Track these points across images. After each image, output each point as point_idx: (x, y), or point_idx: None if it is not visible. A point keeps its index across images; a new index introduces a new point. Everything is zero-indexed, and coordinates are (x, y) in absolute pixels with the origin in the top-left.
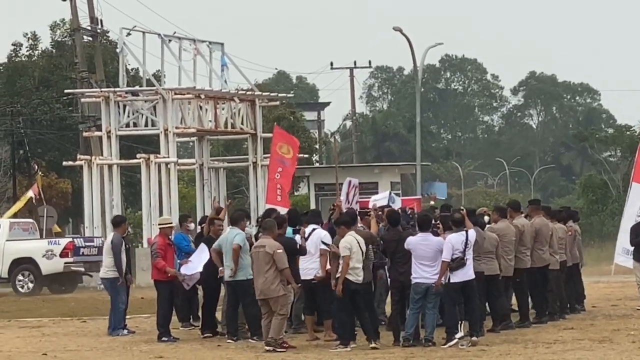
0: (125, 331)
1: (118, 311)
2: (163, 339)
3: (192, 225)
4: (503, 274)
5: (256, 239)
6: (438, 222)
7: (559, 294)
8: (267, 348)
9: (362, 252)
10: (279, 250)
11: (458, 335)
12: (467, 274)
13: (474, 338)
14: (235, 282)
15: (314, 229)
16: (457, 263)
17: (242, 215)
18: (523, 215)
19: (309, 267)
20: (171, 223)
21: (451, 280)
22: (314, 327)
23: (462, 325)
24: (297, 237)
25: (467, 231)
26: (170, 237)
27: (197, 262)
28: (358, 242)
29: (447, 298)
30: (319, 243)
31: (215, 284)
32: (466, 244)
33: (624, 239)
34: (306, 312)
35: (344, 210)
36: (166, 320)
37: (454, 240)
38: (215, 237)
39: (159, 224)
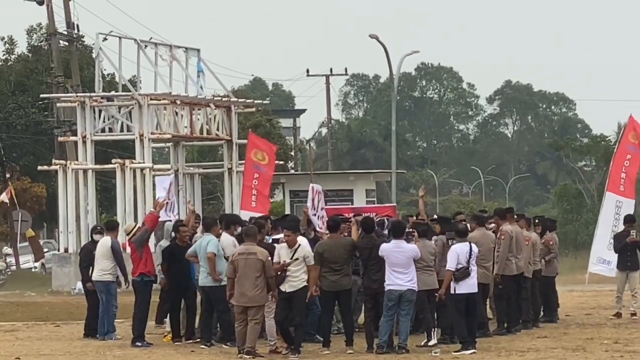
0: (118, 335)
1: (110, 315)
2: (137, 343)
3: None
4: (480, 282)
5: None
6: (412, 229)
7: (533, 303)
8: (247, 357)
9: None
10: (269, 258)
11: (431, 343)
12: (472, 285)
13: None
14: (209, 287)
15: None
16: (461, 273)
17: (215, 221)
18: (508, 223)
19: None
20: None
21: (456, 291)
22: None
23: (435, 332)
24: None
25: (470, 242)
26: None
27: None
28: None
29: (452, 309)
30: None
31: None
32: (470, 254)
33: (598, 248)
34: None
35: (311, 217)
36: (142, 324)
37: (458, 250)
38: (182, 244)
39: (130, 232)
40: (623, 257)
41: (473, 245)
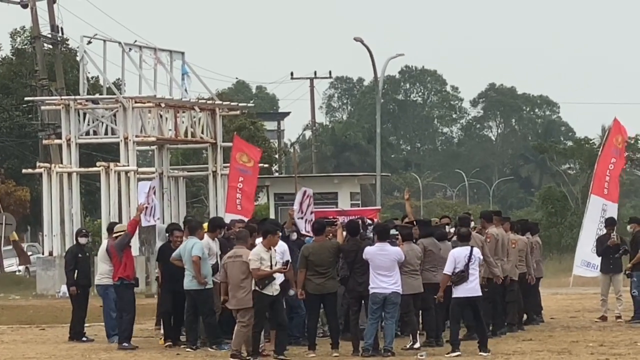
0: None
1: (111, 317)
2: (124, 344)
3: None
4: None
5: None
6: (397, 233)
7: (518, 306)
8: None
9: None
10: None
11: (416, 346)
12: (472, 289)
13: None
14: (194, 291)
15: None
16: (458, 277)
17: (200, 224)
18: (494, 225)
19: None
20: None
21: (454, 295)
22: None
23: (419, 335)
24: None
25: (472, 246)
26: None
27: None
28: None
29: (450, 312)
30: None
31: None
32: (470, 258)
33: (583, 251)
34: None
35: (296, 220)
36: (129, 326)
37: (457, 254)
38: (174, 247)
39: (115, 232)
40: (606, 260)
41: (475, 249)
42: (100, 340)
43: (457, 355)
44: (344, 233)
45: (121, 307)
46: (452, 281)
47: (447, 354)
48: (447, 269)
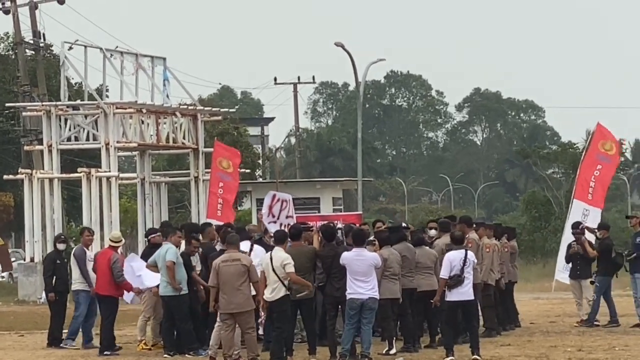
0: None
1: (79, 322)
2: (105, 353)
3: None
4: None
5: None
6: (374, 238)
7: (496, 310)
8: None
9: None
10: (253, 264)
11: (392, 351)
12: (465, 293)
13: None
14: (168, 297)
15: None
16: (454, 280)
17: (174, 229)
18: (474, 231)
19: None
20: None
21: (447, 299)
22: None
23: (396, 341)
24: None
25: (466, 249)
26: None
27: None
28: (271, 260)
29: (444, 316)
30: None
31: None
32: (464, 261)
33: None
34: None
35: (267, 225)
36: (110, 333)
37: (452, 258)
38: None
39: (114, 241)
40: (573, 265)
41: (469, 253)
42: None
43: (393, 354)
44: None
45: (105, 315)
46: (448, 285)
47: (443, 359)
48: (444, 273)
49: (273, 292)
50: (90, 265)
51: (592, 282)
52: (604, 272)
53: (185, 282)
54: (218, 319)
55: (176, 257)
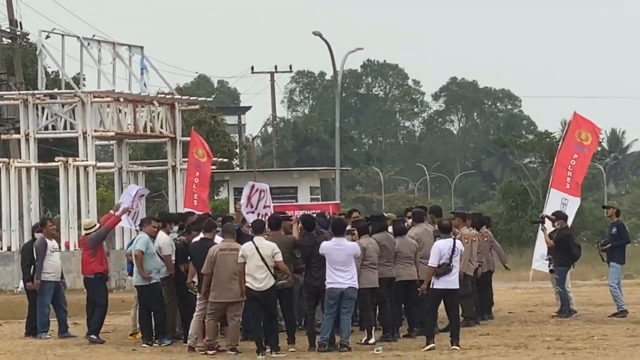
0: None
1: (44, 314)
2: (92, 337)
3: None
4: (423, 278)
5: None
6: (353, 227)
7: (475, 300)
8: (232, 353)
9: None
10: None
11: (371, 341)
12: (452, 282)
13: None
14: (140, 286)
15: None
16: (443, 269)
17: (148, 219)
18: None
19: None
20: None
21: (434, 286)
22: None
23: (375, 330)
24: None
25: (454, 238)
26: None
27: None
28: (257, 249)
29: (427, 304)
30: None
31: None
32: (453, 250)
33: (541, 245)
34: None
35: (245, 215)
36: (101, 319)
37: (441, 246)
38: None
39: (87, 228)
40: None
41: (457, 242)
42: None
43: (430, 348)
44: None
45: (96, 300)
46: (436, 273)
47: (423, 348)
48: (432, 262)
49: (263, 281)
50: (55, 256)
51: (551, 271)
52: (560, 262)
53: (156, 272)
54: (198, 308)
55: (146, 247)
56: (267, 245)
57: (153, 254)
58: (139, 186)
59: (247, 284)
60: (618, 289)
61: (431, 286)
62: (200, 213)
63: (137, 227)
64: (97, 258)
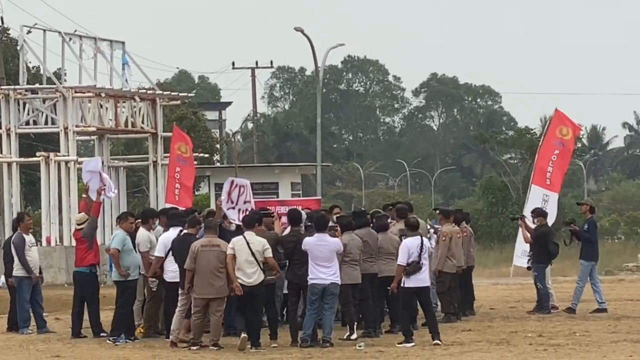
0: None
1: (24, 309)
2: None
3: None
4: None
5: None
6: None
7: (455, 296)
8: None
9: (252, 253)
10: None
11: (353, 337)
12: (423, 279)
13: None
14: (116, 281)
15: (181, 230)
16: (413, 267)
17: (125, 215)
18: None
19: (172, 269)
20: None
21: (405, 285)
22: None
23: (357, 326)
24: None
25: (422, 236)
26: None
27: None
28: (248, 244)
29: (400, 302)
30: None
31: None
32: (421, 248)
33: (522, 242)
34: (168, 315)
35: (226, 211)
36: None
37: (409, 244)
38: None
39: (79, 224)
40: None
41: (425, 239)
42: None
43: (412, 346)
44: (284, 223)
45: (91, 297)
46: (406, 272)
47: (399, 343)
48: (401, 260)
49: (253, 276)
50: (33, 251)
51: (528, 269)
52: (537, 259)
53: (135, 267)
54: (180, 304)
55: (122, 244)
56: (257, 241)
57: (130, 250)
58: (92, 159)
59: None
60: (584, 287)
61: (402, 285)
62: (182, 208)
63: (114, 192)
64: (93, 250)
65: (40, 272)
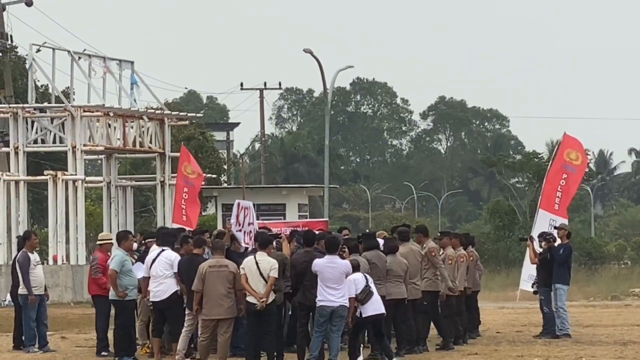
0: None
1: (30, 328)
2: (102, 353)
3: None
4: (410, 298)
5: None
6: (344, 245)
7: (460, 320)
8: None
9: (262, 274)
10: (239, 271)
11: (359, 359)
12: (378, 308)
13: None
14: (113, 301)
15: (162, 250)
16: (364, 293)
17: (126, 235)
18: (431, 239)
19: (157, 289)
20: (111, 239)
21: (363, 315)
22: (160, 350)
23: (363, 348)
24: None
25: (365, 274)
26: (109, 253)
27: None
28: (257, 264)
29: (353, 331)
30: (166, 265)
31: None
32: (366, 278)
33: (529, 266)
34: (154, 333)
35: (235, 233)
36: (105, 334)
37: (354, 278)
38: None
39: (99, 240)
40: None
41: (365, 275)
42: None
43: None
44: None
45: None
46: (358, 300)
47: None
48: (351, 292)
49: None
50: (38, 269)
51: (535, 293)
52: (543, 282)
53: (134, 288)
54: (186, 324)
55: (120, 266)
56: (266, 261)
57: (129, 270)
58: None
59: (247, 299)
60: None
61: (360, 316)
62: (189, 229)
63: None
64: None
65: (46, 291)
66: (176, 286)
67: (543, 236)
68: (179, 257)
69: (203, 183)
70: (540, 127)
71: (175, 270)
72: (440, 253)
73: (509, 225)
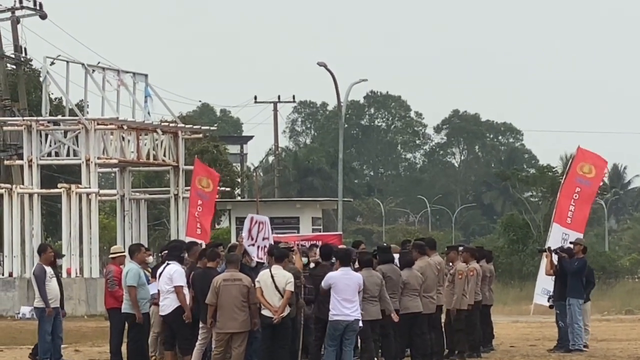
0: None
1: (46, 341)
2: None
3: (150, 258)
4: (426, 312)
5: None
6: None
7: (472, 334)
8: None
9: (277, 288)
10: (253, 285)
11: None
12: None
13: None
14: (126, 314)
15: (167, 264)
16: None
17: (138, 248)
18: (437, 254)
19: (162, 304)
20: (124, 252)
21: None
22: None
23: None
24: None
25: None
26: (122, 266)
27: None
28: (272, 278)
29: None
30: (167, 280)
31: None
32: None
33: (543, 279)
34: (166, 347)
35: (247, 247)
36: (118, 349)
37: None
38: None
39: (112, 253)
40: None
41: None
42: None
43: None
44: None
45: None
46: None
47: None
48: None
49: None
50: (53, 282)
51: (550, 307)
52: (558, 296)
53: (147, 302)
54: (200, 337)
55: (137, 280)
56: (282, 275)
57: (144, 284)
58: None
59: (262, 312)
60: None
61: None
62: (202, 242)
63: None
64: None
65: (63, 309)
66: (177, 302)
67: (561, 249)
68: (179, 270)
69: (217, 196)
70: (554, 141)
71: (176, 284)
72: (449, 266)
73: (522, 239)
